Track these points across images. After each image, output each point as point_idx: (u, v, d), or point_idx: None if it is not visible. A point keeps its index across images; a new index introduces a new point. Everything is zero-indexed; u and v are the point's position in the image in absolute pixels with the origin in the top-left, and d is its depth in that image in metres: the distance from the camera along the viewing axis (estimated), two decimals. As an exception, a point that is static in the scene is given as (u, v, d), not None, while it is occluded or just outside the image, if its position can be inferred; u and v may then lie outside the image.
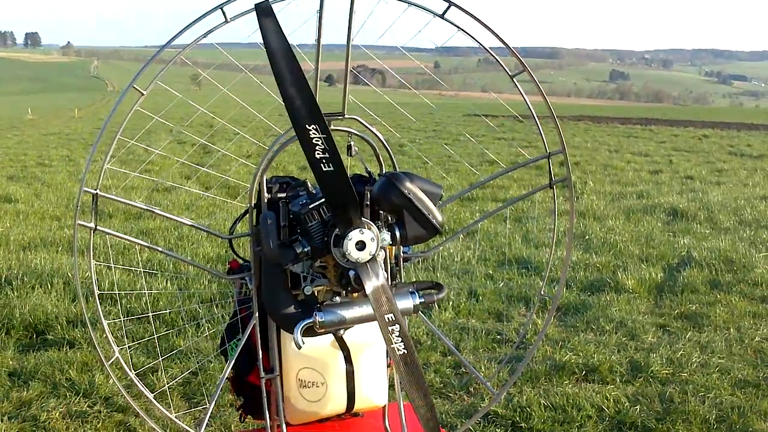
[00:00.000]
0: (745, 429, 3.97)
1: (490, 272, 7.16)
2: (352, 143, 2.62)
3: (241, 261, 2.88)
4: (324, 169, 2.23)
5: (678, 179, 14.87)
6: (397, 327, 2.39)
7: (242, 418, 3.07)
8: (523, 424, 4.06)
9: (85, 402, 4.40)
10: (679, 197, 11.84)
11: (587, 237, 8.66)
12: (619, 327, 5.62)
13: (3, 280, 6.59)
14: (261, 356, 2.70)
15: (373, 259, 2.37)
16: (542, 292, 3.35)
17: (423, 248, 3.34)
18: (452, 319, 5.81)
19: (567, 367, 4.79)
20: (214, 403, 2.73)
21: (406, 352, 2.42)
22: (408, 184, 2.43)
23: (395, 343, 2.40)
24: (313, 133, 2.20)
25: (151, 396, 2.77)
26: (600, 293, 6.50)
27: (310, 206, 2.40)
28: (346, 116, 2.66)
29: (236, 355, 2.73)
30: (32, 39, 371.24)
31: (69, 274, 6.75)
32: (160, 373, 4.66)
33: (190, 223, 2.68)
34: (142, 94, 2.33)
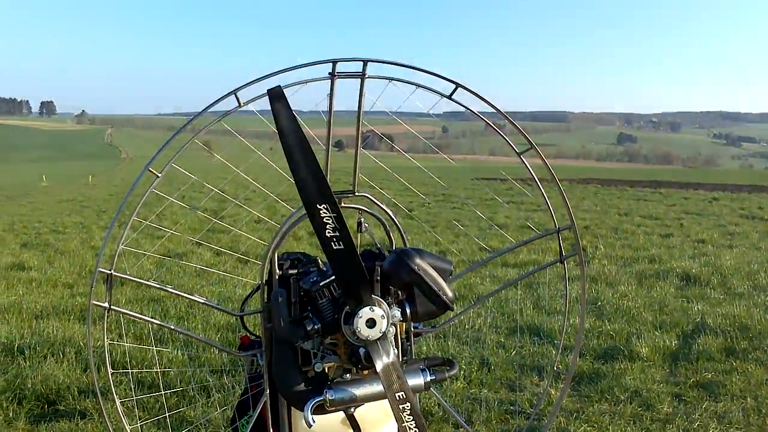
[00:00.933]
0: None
1: (502, 340, 7.11)
2: (362, 219, 2.65)
3: (252, 337, 2.89)
4: (334, 248, 2.26)
5: (689, 243, 14.82)
6: (408, 405, 2.38)
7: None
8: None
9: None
10: (692, 262, 11.79)
11: (599, 303, 8.61)
12: (634, 397, 5.55)
13: (16, 349, 6.61)
14: (272, 433, 2.68)
15: (384, 336, 2.38)
16: (556, 367, 3.33)
17: (433, 322, 3.34)
18: (464, 389, 5.76)
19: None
20: None
21: (417, 430, 2.41)
22: (417, 261, 2.45)
23: (406, 421, 2.39)
24: (324, 212, 2.24)
25: None
26: (614, 361, 6.43)
27: (321, 284, 2.41)
28: (356, 194, 2.70)
29: (248, 429, 2.71)
30: (47, 107, 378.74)
31: (81, 343, 6.76)
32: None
33: (202, 301, 2.71)
34: (158, 177, 2.39)
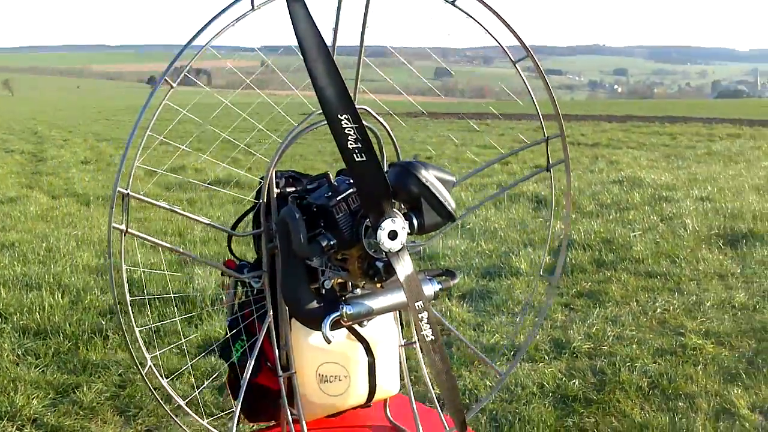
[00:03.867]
0: (676, 392, 4.28)
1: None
2: None
3: (236, 261, 2.77)
4: (357, 159, 2.20)
5: (528, 169, 15.58)
6: (425, 314, 2.41)
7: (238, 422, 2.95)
8: (474, 407, 4.16)
9: (11, 425, 4.08)
10: (537, 185, 12.43)
11: (468, 226, 8.92)
12: (530, 306, 5.87)
13: None
14: (278, 355, 2.61)
15: (404, 248, 2.36)
16: (540, 274, 3.49)
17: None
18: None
19: (496, 349, 4.95)
20: (239, 405, 2.61)
21: (434, 338, 2.45)
22: (424, 173, 2.45)
23: (424, 329, 2.42)
24: (345, 123, 2.17)
25: (182, 403, 2.63)
26: (499, 278, 6.74)
27: (338, 198, 2.34)
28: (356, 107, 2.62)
29: (256, 354, 2.62)
30: None
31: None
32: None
33: (207, 222, 2.56)
34: (172, 87, 2.19)
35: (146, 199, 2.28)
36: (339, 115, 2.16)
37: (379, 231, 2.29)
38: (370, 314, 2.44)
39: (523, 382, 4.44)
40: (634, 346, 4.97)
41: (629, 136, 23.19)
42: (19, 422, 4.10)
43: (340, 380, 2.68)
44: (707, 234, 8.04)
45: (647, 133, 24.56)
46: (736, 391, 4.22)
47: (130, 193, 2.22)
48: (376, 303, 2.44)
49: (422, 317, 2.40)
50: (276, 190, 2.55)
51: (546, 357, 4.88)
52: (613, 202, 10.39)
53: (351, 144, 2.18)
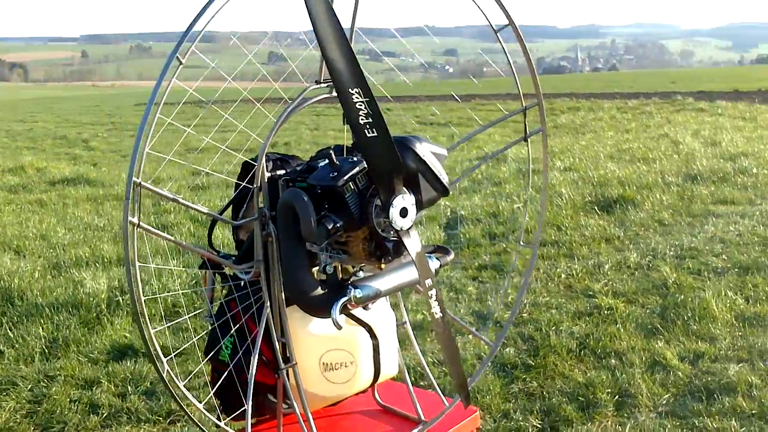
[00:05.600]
0: (605, 351, 4.48)
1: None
2: None
3: (216, 252, 2.61)
4: (368, 135, 2.14)
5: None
6: (434, 291, 2.39)
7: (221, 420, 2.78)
8: (422, 383, 4.16)
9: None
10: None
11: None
12: (441, 283, 5.94)
13: None
14: (278, 347, 2.48)
15: (413, 225, 2.32)
16: (520, 243, 3.51)
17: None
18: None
19: (424, 326, 4.98)
20: (250, 402, 2.45)
21: (441, 315, 2.44)
22: (420, 147, 2.42)
23: (434, 307, 2.41)
24: (356, 97, 2.11)
25: (200, 406, 2.44)
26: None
27: (345, 178, 2.26)
28: None
29: (256, 352, 2.47)
30: None
31: None
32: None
33: (206, 211, 2.38)
34: (181, 63, 2.02)
35: (154, 188, 2.08)
36: (350, 89, 2.10)
37: (390, 209, 2.25)
38: (378, 296, 2.40)
39: (462, 355, 4.50)
40: (553, 311, 5.17)
41: (476, 114, 23.97)
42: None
43: (346, 366, 2.61)
44: (582, 202, 8.45)
45: (492, 110, 25.41)
46: (660, 344, 4.50)
47: (143, 183, 2.03)
48: (382, 284, 2.40)
49: (431, 294, 2.39)
50: (266, 174, 2.43)
51: (474, 329, 4.97)
52: (484, 177, 10.70)
53: (362, 119, 2.13)
